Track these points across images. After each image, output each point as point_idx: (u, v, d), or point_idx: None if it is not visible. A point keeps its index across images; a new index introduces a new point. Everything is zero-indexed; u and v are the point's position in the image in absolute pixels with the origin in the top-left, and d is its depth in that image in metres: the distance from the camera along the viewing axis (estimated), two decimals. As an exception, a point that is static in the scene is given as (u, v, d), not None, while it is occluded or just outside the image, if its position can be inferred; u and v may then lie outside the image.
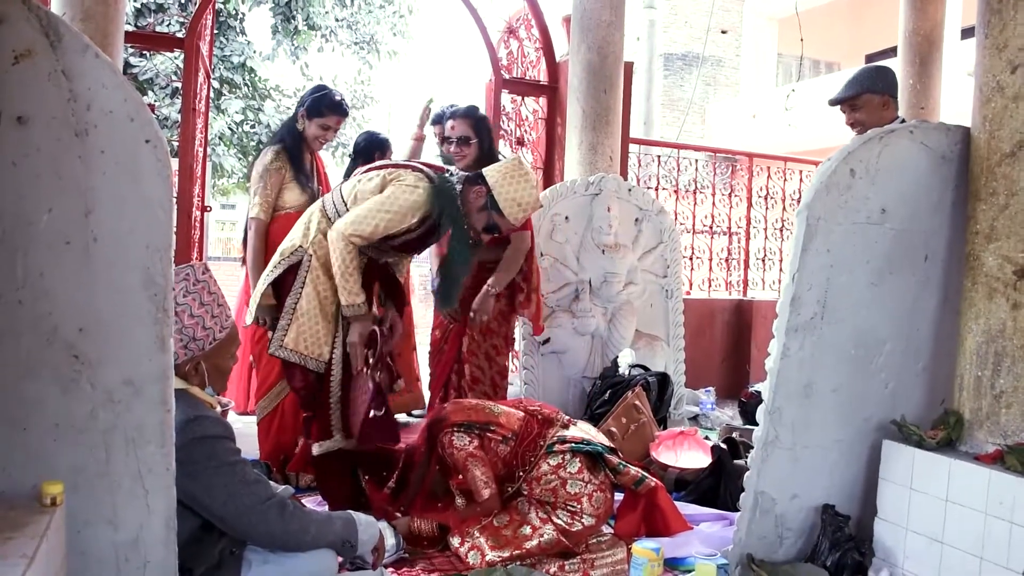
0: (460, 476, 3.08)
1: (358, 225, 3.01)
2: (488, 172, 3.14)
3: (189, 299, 2.25)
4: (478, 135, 3.97)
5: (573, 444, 2.99)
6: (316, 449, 3.12)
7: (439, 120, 4.73)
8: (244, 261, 4.31)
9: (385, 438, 3.08)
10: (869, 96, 3.70)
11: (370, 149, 4.70)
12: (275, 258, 3.24)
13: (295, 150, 3.97)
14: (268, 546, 2.23)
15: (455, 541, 2.91)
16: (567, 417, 3.22)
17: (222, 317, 2.33)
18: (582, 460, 2.98)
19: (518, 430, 3.03)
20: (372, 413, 2.97)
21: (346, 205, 3.12)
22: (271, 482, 2.57)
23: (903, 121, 3.49)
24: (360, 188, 3.12)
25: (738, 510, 2.86)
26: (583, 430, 3.15)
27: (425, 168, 3.18)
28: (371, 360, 3.13)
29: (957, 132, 2.82)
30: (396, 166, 3.20)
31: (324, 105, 3.93)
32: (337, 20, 13.80)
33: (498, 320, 4.05)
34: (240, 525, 2.16)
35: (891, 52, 7.36)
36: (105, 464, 1.98)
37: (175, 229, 4.77)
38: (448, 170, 3.21)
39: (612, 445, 3.15)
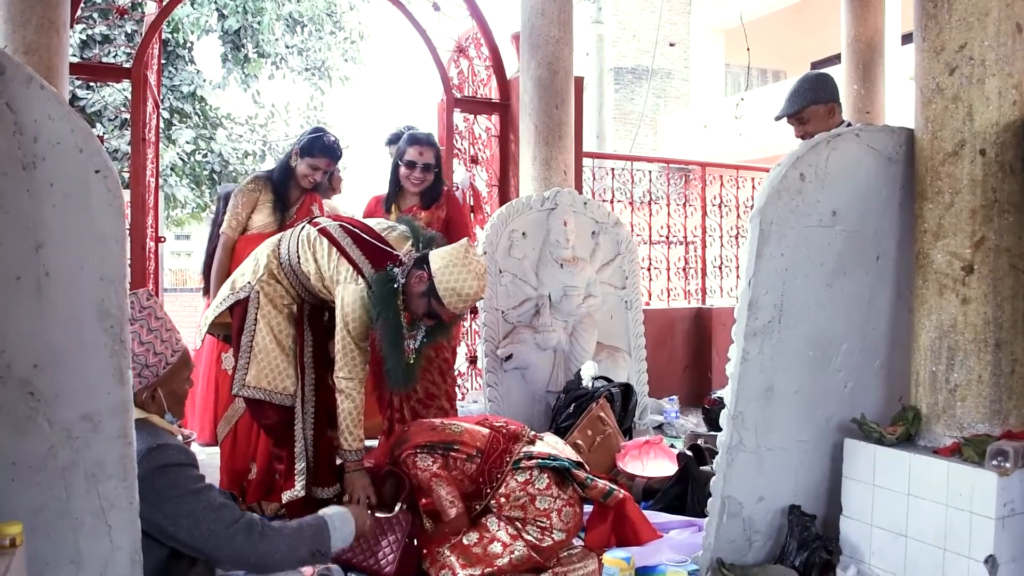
0: (425, 499, 3.05)
1: (351, 367, 3.00)
2: (433, 257, 2.99)
3: (136, 326, 2.23)
4: (438, 163, 4.24)
5: (540, 460, 2.98)
6: (284, 496, 3.11)
7: (394, 141, 4.81)
8: (204, 290, 4.36)
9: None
10: (814, 108, 3.72)
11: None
12: (226, 289, 3.23)
13: (279, 182, 4.12)
14: (239, 568, 2.23)
15: (424, 564, 2.89)
16: (533, 432, 3.21)
17: (172, 341, 2.32)
18: (550, 476, 2.97)
19: (483, 447, 3.01)
20: (415, 541, 2.95)
21: (298, 257, 3.12)
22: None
23: (849, 125, 3.55)
24: (322, 263, 3.08)
25: (706, 516, 2.89)
26: (550, 444, 3.15)
27: (363, 262, 3.05)
28: (373, 501, 3.02)
29: (902, 134, 2.89)
30: (343, 252, 3.07)
31: (316, 147, 4.06)
32: (287, 47, 13.76)
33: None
34: (208, 550, 2.15)
35: (835, 59, 7.51)
36: (65, 502, 1.94)
37: (129, 261, 4.74)
38: (397, 257, 3.06)
39: (579, 459, 3.15)
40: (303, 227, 3.20)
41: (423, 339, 3.11)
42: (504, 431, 3.10)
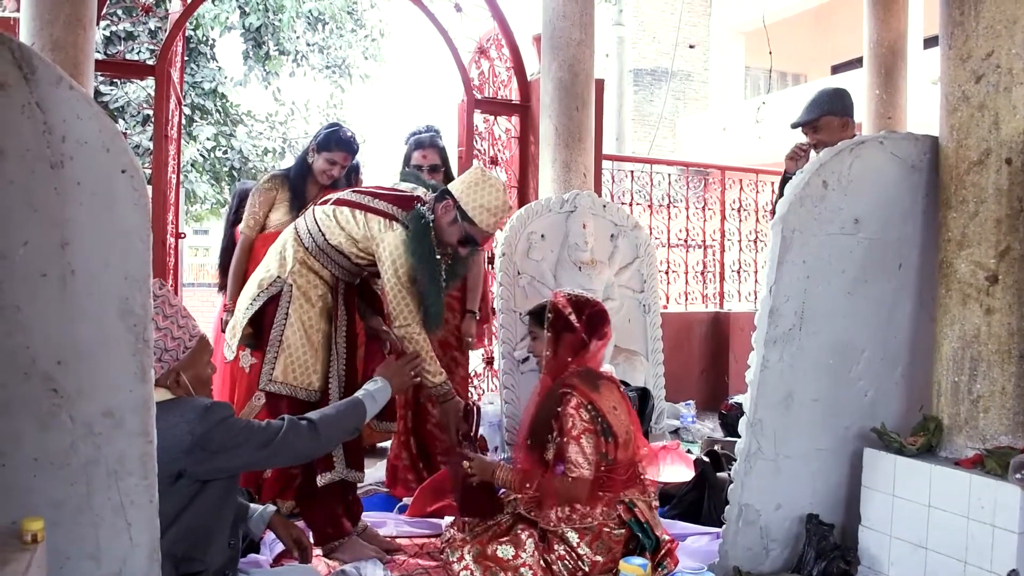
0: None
1: (407, 313, 3.06)
2: (453, 186, 3.12)
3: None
4: (444, 163, 4.28)
5: (635, 519, 2.87)
6: (320, 480, 3.09)
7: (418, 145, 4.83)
8: (220, 286, 4.37)
9: (486, 509, 3.06)
10: (829, 119, 3.81)
11: (347, 174, 4.71)
12: (253, 289, 3.21)
13: (296, 179, 4.11)
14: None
15: (453, 556, 2.88)
16: (656, 503, 3.09)
17: (188, 327, 2.38)
18: (627, 534, 2.88)
19: (622, 461, 2.91)
20: (474, 482, 3.01)
21: (323, 234, 3.12)
22: (252, 504, 2.73)
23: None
24: (349, 228, 3.10)
25: (723, 523, 2.88)
26: (656, 517, 3.02)
27: (392, 209, 3.10)
28: (465, 434, 3.16)
29: (926, 141, 2.87)
30: (367, 209, 3.12)
31: (333, 141, 4.04)
32: (308, 45, 13.77)
33: (455, 334, 4.24)
34: (270, 462, 2.63)
35: (856, 63, 7.47)
36: (86, 498, 1.96)
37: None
38: (419, 197, 3.16)
39: (668, 543, 2.95)
40: (312, 210, 3.24)
41: (444, 281, 3.20)
42: (641, 477, 3.00)
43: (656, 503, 3.07)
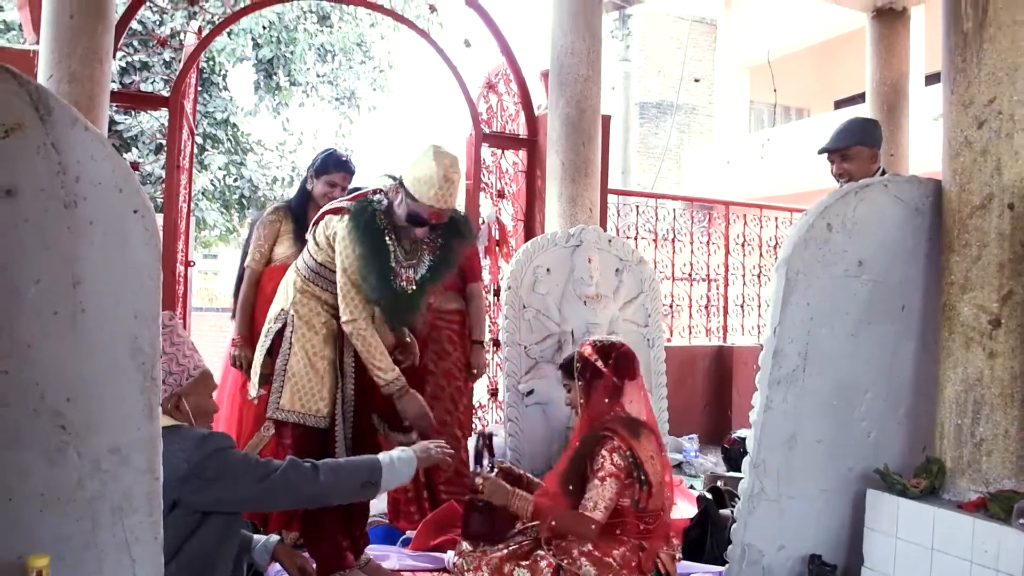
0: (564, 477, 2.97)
1: (352, 308, 3.03)
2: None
3: None
4: None
5: (657, 570, 2.84)
6: None
7: None
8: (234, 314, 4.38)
9: (489, 533, 2.99)
10: (860, 148, 3.74)
11: None
12: (264, 326, 3.29)
13: (298, 208, 4.13)
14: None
15: (469, 565, 2.87)
16: (680, 555, 3.06)
17: (194, 357, 2.45)
18: None
19: (655, 512, 2.87)
20: (482, 503, 2.95)
21: (312, 256, 3.20)
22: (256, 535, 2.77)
23: (883, 172, 3.56)
24: (319, 239, 3.16)
25: (726, 562, 2.87)
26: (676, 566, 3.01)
27: (347, 204, 3.13)
28: (431, 416, 3.17)
29: (929, 185, 2.89)
30: (327, 212, 3.18)
31: (331, 163, 4.08)
32: (318, 76, 13.91)
33: (458, 365, 4.34)
34: (269, 500, 2.45)
35: (859, 98, 7.52)
36: (91, 534, 1.97)
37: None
38: (377, 189, 3.17)
39: None
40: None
41: (426, 273, 3.19)
42: (672, 539, 2.97)
43: (680, 556, 3.04)
